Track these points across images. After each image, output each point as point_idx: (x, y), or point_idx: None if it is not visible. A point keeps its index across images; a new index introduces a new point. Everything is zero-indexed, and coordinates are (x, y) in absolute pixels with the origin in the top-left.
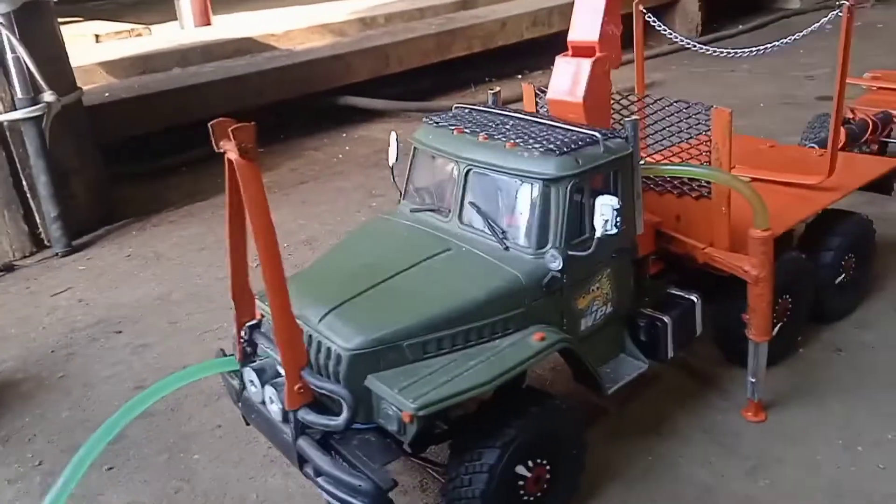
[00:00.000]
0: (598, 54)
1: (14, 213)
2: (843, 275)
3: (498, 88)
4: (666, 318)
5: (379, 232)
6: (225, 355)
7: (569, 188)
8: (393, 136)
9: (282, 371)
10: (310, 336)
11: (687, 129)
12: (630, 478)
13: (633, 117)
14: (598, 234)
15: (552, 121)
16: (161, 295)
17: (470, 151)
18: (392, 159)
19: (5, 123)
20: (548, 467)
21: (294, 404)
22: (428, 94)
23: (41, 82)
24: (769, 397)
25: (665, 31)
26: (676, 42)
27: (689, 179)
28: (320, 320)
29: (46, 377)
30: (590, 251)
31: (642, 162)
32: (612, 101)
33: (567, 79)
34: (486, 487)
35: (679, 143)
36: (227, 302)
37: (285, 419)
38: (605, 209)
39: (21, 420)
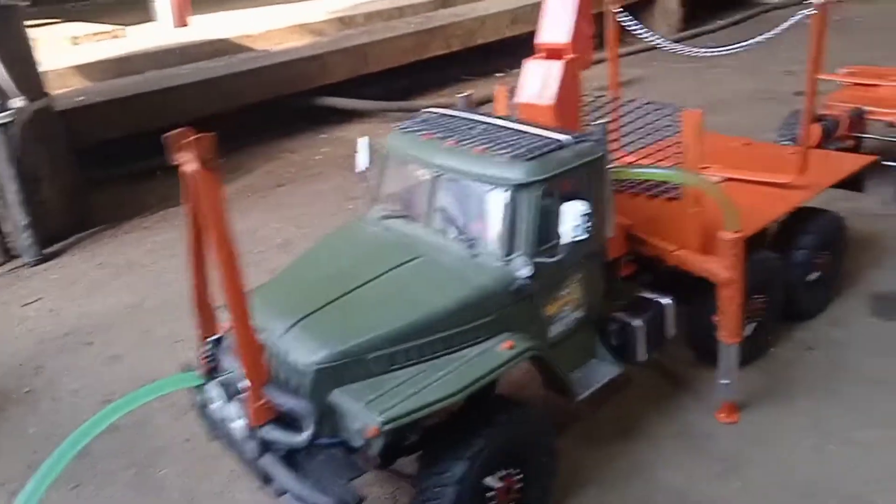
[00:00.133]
0: (569, 56)
1: None
2: (816, 273)
3: (469, 92)
4: (638, 322)
5: (349, 239)
6: (191, 369)
7: (537, 194)
8: (362, 141)
9: (244, 386)
10: (274, 348)
11: (661, 129)
12: (603, 482)
13: (603, 120)
14: (566, 239)
15: (522, 125)
16: (133, 303)
17: (438, 157)
18: (362, 165)
19: None
20: (518, 476)
21: (258, 421)
22: (407, 93)
23: (12, 87)
24: (741, 398)
25: (638, 30)
26: (648, 41)
27: (661, 181)
28: (285, 332)
29: (13, 391)
30: (559, 257)
31: (613, 165)
32: (583, 103)
33: (537, 82)
34: (456, 499)
35: (653, 143)
36: None
37: (250, 436)
38: (573, 215)
39: None
